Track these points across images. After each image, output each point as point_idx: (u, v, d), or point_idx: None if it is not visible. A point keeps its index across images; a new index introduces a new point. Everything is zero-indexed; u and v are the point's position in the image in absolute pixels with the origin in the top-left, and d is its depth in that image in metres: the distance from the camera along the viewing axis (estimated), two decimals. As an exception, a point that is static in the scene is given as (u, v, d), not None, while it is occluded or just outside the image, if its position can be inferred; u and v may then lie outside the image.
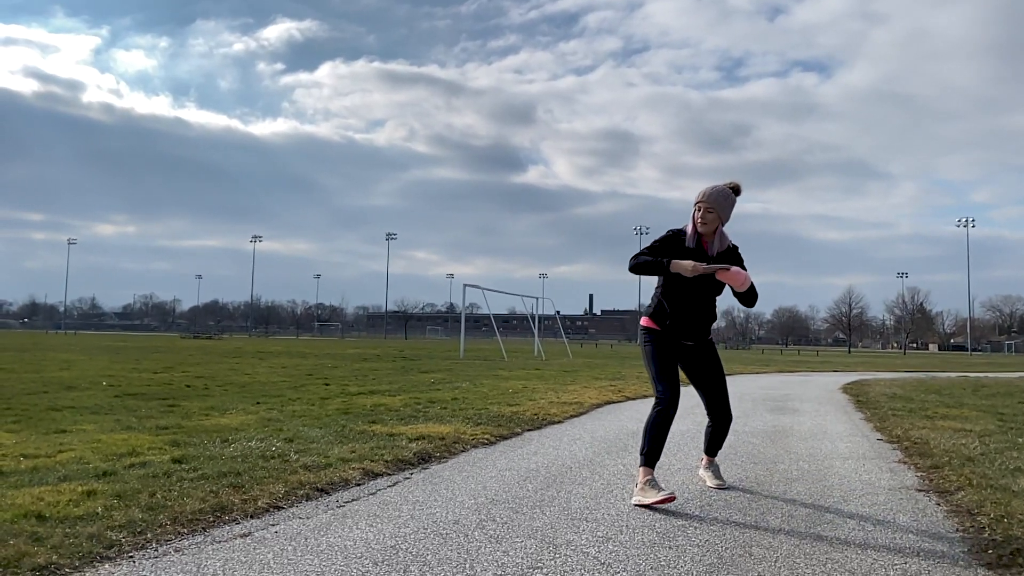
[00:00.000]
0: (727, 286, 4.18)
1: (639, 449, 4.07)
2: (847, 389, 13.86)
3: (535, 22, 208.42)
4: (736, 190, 4.20)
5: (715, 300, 4.28)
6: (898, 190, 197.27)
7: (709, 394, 4.38)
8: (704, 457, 4.62)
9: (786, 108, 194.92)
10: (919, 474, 5.01)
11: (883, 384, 14.98)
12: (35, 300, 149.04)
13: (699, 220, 4.15)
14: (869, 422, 8.25)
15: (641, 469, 4.03)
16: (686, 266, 4.01)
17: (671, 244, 4.18)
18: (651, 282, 4.39)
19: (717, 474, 4.53)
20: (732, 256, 4.25)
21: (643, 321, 4.36)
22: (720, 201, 4.14)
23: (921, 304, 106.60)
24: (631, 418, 8.06)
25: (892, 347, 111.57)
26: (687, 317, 4.21)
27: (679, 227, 4.25)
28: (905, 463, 5.45)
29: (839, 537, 3.41)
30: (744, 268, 4.17)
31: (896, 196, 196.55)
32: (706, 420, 4.50)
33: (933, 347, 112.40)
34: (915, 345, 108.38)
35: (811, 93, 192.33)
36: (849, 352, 79.21)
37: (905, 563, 3.04)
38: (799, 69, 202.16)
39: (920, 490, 4.50)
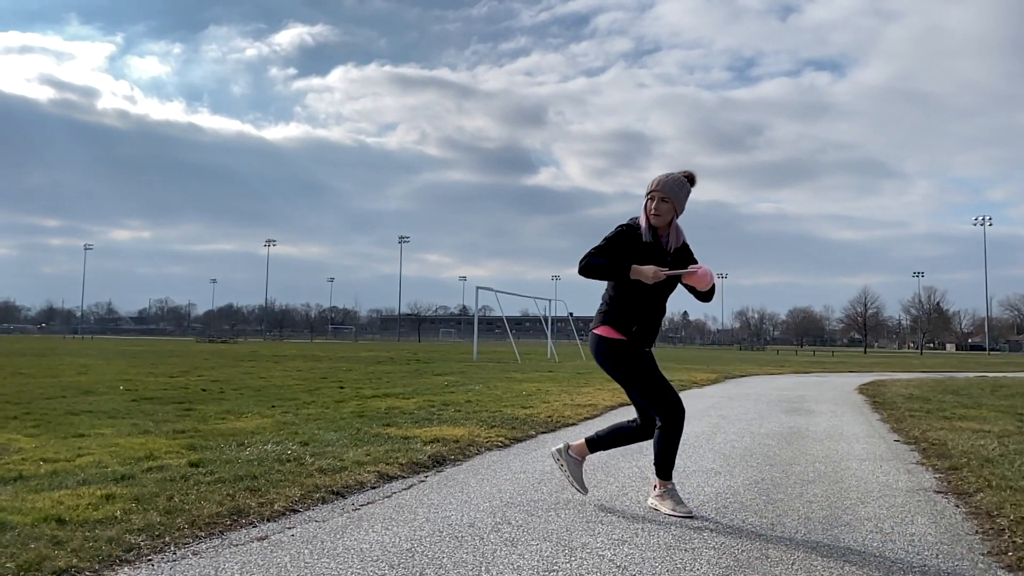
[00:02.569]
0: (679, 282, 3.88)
1: (654, 461, 3.87)
2: (863, 390, 13.77)
3: (546, 24, 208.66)
4: (691, 179, 3.89)
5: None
6: (913, 188, 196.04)
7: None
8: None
9: (799, 107, 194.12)
10: (937, 476, 4.97)
11: (900, 385, 14.86)
12: (52, 305, 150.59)
13: (652, 211, 3.81)
14: (886, 423, 8.20)
15: (659, 480, 3.90)
16: (647, 272, 3.66)
17: (626, 241, 3.80)
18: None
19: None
20: (685, 252, 3.97)
21: (602, 331, 3.87)
22: (675, 190, 3.81)
23: (938, 304, 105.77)
24: (645, 420, 8.04)
25: (908, 347, 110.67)
26: (649, 320, 3.87)
27: (631, 221, 3.89)
28: (923, 465, 5.41)
29: (857, 539, 3.39)
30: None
31: (911, 195, 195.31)
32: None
33: (950, 347, 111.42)
34: (932, 345, 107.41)
35: (824, 92, 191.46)
36: (865, 352, 78.62)
37: (924, 566, 3.02)
38: (812, 68, 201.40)
39: (938, 492, 4.46)
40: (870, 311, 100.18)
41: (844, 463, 5.47)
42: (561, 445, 4.16)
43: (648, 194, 3.85)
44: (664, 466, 3.86)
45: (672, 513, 3.76)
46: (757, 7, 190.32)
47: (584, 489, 4.07)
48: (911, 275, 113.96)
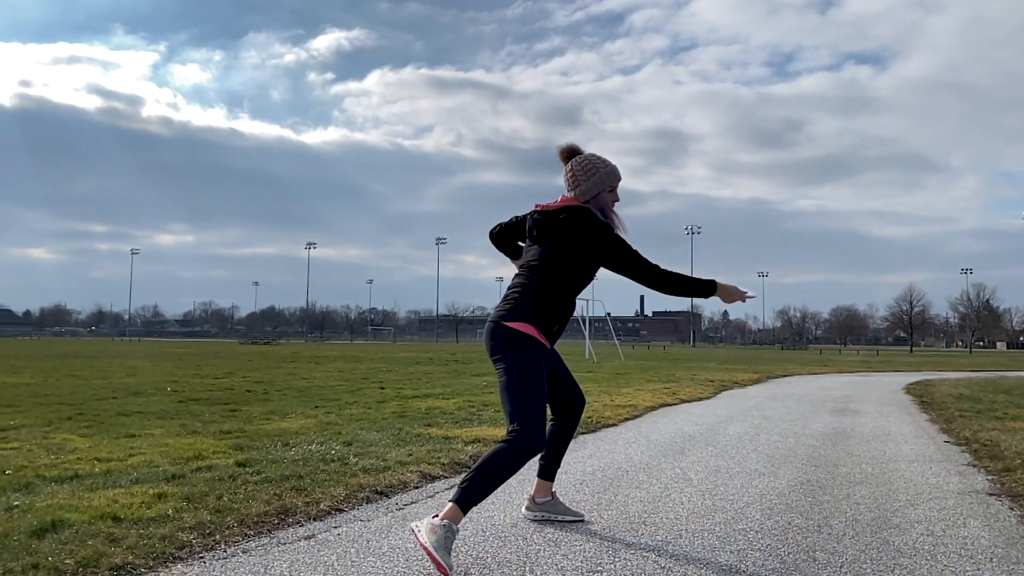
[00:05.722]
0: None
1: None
2: (910, 389, 13.47)
3: (580, 23, 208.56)
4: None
5: None
6: (960, 183, 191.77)
7: (569, 392, 3.60)
8: (541, 483, 3.61)
9: (840, 102, 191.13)
10: (990, 477, 4.85)
11: (949, 384, 14.51)
12: (101, 308, 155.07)
13: (615, 202, 3.44)
14: (935, 423, 8.01)
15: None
16: (733, 292, 3.26)
17: None
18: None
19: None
20: None
21: (524, 328, 3.17)
22: None
23: (987, 301, 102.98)
24: (687, 421, 7.97)
25: (957, 345, 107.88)
26: (566, 319, 3.39)
27: (601, 216, 3.34)
28: (975, 466, 5.28)
29: (906, 542, 3.32)
30: None
31: (958, 189, 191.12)
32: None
33: (1001, 345, 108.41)
34: (981, 343, 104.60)
35: (866, 86, 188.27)
36: (911, 351, 76.83)
37: (978, 570, 2.95)
38: (853, 62, 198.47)
39: (992, 494, 4.35)
40: (916, 309, 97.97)
41: (892, 464, 5.36)
42: (525, 501, 3.70)
43: (609, 185, 3.41)
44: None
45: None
46: (795, 1, 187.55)
47: (579, 515, 3.63)
48: (959, 272, 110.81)
